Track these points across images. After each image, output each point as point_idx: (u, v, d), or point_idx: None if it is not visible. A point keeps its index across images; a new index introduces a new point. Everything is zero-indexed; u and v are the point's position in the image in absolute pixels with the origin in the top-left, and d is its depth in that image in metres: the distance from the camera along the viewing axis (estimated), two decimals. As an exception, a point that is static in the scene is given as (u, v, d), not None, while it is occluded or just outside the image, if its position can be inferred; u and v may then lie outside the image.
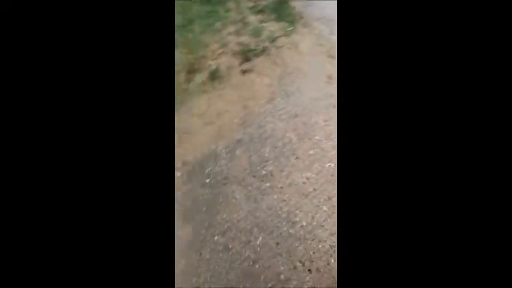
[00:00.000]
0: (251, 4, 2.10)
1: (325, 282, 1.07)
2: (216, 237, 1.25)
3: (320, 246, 1.15)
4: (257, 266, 1.14)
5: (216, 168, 1.47)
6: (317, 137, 1.46)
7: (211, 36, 2.04)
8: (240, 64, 1.83)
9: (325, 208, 1.24)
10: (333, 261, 1.11)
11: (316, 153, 1.41)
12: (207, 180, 1.44)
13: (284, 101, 1.67)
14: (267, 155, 1.45)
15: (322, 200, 1.26)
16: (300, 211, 1.25)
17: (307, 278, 1.09)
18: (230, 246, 1.21)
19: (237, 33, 1.98)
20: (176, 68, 1.95)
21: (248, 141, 1.53)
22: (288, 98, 1.68)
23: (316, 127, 1.51)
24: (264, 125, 1.57)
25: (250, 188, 1.36)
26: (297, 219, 1.23)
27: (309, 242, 1.17)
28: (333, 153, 1.40)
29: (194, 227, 1.30)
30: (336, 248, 1.14)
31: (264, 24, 1.94)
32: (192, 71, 1.92)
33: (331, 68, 1.77)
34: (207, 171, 1.47)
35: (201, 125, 1.70)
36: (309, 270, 1.10)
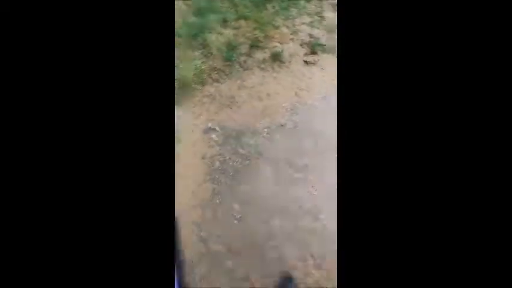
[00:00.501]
0: (334, 1, 2.08)
1: (330, 283, 1.06)
2: (234, 205, 1.26)
3: (335, 247, 1.14)
4: (267, 245, 1.15)
5: (253, 142, 1.47)
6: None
7: (284, 20, 2.04)
8: (305, 55, 1.82)
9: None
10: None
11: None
12: (241, 150, 1.45)
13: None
14: (307, 147, 1.44)
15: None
16: (326, 210, 1.23)
17: (313, 271, 1.08)
18: (247, 218, 1.22)
19: (311, 24, 1.97)
20: (240, 40, 1.97)
21: (292, 128, 1.52)
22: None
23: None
24: (312, 119, 1.56)
25: (282, 172, 1.35)
26: (321, 216, 1.22)
27: (326, 241, 1.15)
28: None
29: (216, 187, 1.32)
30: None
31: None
32: (255, 46, 1.92)
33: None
34: (243, 141, 1.48)
35: (248, 98, 1.71)
36: (319, 266, 1.09)
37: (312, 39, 1.91)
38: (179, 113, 1.57)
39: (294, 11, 2.11)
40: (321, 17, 2.03)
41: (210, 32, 1.95)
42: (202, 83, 1.72)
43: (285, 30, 2.04)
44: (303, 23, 2.02)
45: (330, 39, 1.91)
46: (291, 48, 1.90)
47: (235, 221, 1.21)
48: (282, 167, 1.37)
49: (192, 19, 2.03)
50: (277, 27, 2.03)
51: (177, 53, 1.80)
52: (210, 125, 1.54)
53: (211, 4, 2.11)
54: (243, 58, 1.88)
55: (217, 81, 1.75)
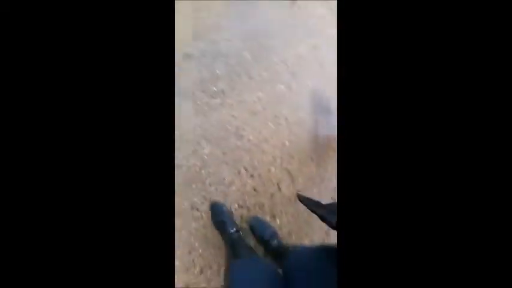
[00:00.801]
0: None
1: (265, 185, 1.20)
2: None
3: (264, 157, 1.25)
4: (203, 172, 1.19)
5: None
6: (273, 59, 1.46)
7: None
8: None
9: (271, 125, 1.32)
10: (274, 169, 1.23)
11: (270, 75, 1.42)
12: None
13: (241, 21, 1.57)
14: (219, 72, 1.40)
15: (269, 117, 1.33)
16: (248, 126, 1.29)
17: (249, 181, 1.20)
18: (176, 154, 1.21)
19: None
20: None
21: (200, 56, 1.42)
22: (247, 20, 1.58)
23: (273, 50, 1.49)
24: (218, 42, 1.47)
25: (199, 102, 1.32)
26: (245, 133, 1.28)
27: (254, 153, 1.25)
28: (286, 76, 1.43)
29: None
30: (280, 160, 1.25)
31: None
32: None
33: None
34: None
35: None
36: (252, 175, 1.21)
37: None
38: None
39: None
40: None
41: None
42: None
43: None
44: None
45: None
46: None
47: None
48: (198, 96, 1.33)
49: None
50: None
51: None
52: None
53: None
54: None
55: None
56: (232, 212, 1.13)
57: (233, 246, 0.99)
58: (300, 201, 0.68)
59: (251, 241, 1.09)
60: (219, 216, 1.09)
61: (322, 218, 0.63)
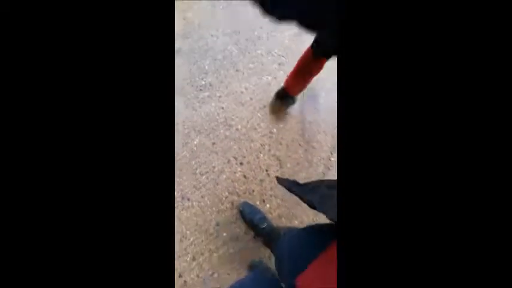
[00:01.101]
0: None
1: (254, 172, 1.22)
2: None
3: (252, 145, 1.27)
4: (193, 162, 1.22)
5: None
6: (258, 51, 1.49)
7: None
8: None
9: (259, 114, 1.34)
10: (262, 156, 1.25)
11: (256, 66, 1.45)
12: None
13: (227, 17, 1.61)
14: (207, 67, 1.44)
15: (257, 107, 1.35)
16: (236, 117, 1.32)
17: (239, 169, 1.22)
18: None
19: None
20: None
21: (188, 52, 1.46)
22: (233, 15, 1.62)
23: (258, 42, 1.52)
24: (206, 38, 1.51)
25: (188, 96, 1.35)
26: (233, 123, 1.31)
27: (243, 141, 1.27)
28: (272, 67, 1.46)
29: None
30: (267, 146, 1.27)
31: None
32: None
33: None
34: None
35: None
36: (241, 163, 1.23)
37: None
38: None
39: None
40: None
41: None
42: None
43: None
44: None
45: None
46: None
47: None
48: (187, 91, 1.36)
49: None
50: None
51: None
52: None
53: None
54: None
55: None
56: (259, 210, 1.14)
57: (269, 239, 1.01)
58: (279, 183, 0.70)
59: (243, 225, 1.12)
60: (249, 214, 1.11)
61: (300, 197, 0.65)
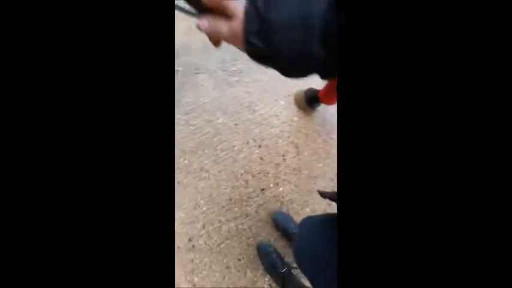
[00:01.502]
0: None
1: (271, 155, 1.26)
2: (178, 115, 1.35)
3: (272, 130, 1.32)
4: (215, 139, 1.29)
5: (189, 59, 1.51)
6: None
7: None
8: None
9: (282, 102, 1.38)
10: (281, 142, 1.29)
11: (285, 58, 1.50)
12: (180, 68, 1.49)
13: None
14: (239, 55, 1.51)
15: (281, 95, 1.40)
16: (261, 102, 1.38)
17: (257, 151, 1.27)
18: (193, 122, 1.33)
19: None
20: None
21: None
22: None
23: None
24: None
25: (218, 79, 1.44)
26: (257, 108, 1.36)
27: (264, 126, 1.32)
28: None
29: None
30: (287, 132, 1.31)
31: None
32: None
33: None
34: (181, 60, 1.50)
35: (179, 19, 1.67)
36: (259, 146, 1.28)
37: None
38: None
39: None
40: None
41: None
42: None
43: None
44: None
45: None
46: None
47: (181, 127, 1.32)
48: (218, 74, 1.45)
49: None
50: None
51: None
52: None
53: None
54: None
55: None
56: (279, 252, 1.08)
57: (284, 285, 0.98)
58: (322, 196, 0.67)
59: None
60: (267, 257, 1.06)
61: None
